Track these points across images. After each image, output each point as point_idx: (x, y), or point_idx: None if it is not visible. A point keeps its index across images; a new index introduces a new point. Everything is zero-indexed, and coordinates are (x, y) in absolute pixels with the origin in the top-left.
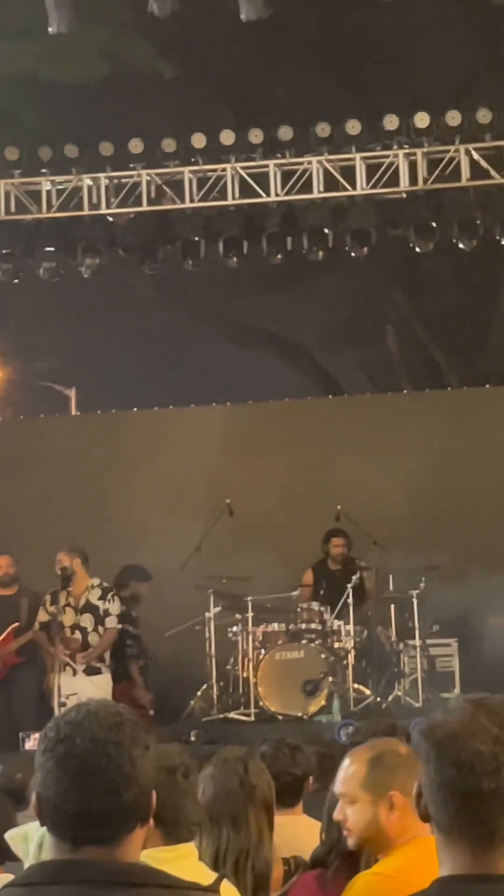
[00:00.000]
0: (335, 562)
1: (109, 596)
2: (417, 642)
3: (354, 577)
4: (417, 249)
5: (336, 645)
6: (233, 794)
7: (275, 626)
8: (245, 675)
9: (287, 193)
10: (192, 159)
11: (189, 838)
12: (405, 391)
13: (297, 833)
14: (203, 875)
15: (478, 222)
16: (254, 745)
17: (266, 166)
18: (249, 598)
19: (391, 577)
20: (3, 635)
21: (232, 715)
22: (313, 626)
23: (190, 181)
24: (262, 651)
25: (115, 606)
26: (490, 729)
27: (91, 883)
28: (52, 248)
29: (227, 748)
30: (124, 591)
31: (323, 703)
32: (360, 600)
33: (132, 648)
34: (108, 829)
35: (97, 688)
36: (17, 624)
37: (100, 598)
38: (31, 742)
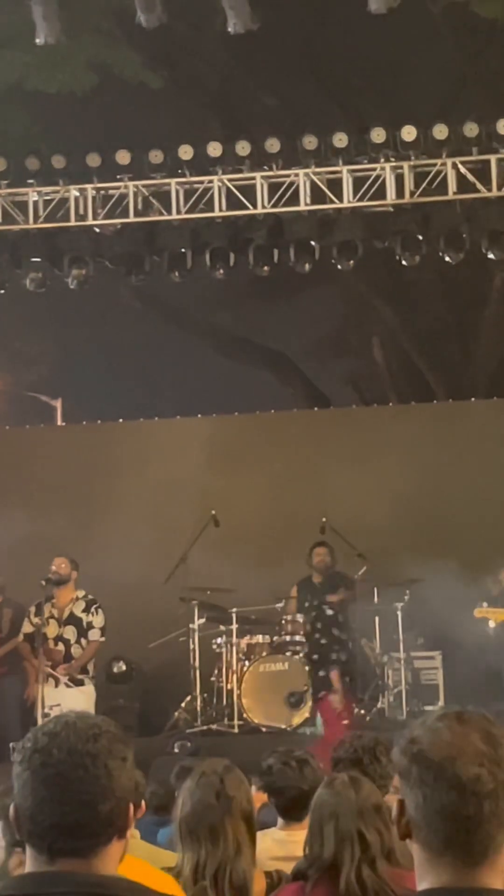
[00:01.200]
0: (318, 572)
1: (93, 609)
2: (402, 655)
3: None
4: (404, 262)
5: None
6: (210, 808)
7: (259, 637)
8: (229, 686)
9: (274, 206)
10: (180, 171)
11: None
12: (391, 404)
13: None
14: None
15: (464, 235)
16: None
17: (253, 178)
18: (234, 610)
19: (376, 589)
20: None
21: (216, 727)
22: (297, 638)
23: (177, 193)
24: (247, 663)
25: (98, 619)
26: (481, 748)
27: (70, 895)
28: (38, 259)
29: (206, 761)
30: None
31: (306, 715)
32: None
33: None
34: (84, 840)
35: (81, 699)
36: None
37: (83, 611)
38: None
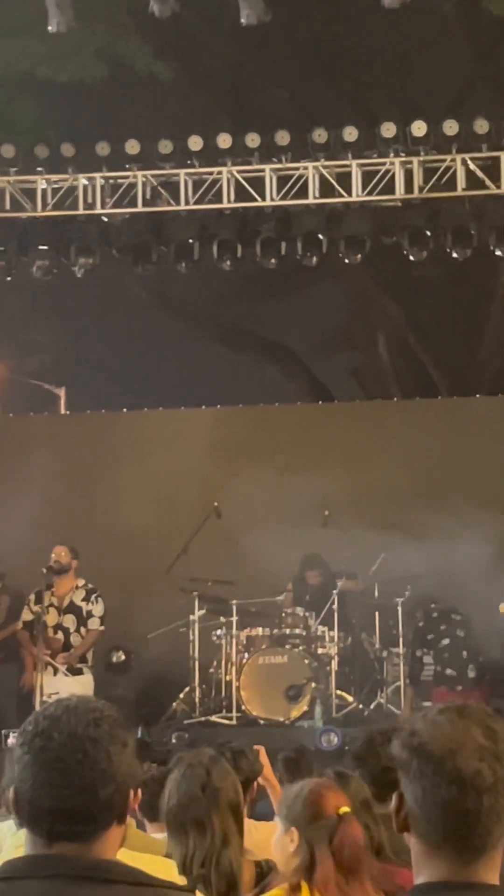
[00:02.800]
0: (313, 588)
1: (93, 598)
2: (401, 650)
3: (340, 583)
4: (411, 258)
5: (320, 651)
6: (196, 799)
7: (259, 630)
8: (228, 678)
9: (282, 198)
10: (189, 161)
11: None
12: (395, 399)
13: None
14: None
15: (472, 232)
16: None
17: (262, 171)
18: (234, 602)
19: (376, 584)
20: None
21: (214, 718)
22: (297, 631)
23: (185, 183)
24: (246, 655)
25: (98, 608)
26: (482, 742)
27: (66, 878)
28: (45, 247)
29: (193, 752)
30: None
31: (305, 708)
32: (346, 609)
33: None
34: (83, 825)
35: (79, 688)
36: None
37: (83, 600)
38: (13, 739)
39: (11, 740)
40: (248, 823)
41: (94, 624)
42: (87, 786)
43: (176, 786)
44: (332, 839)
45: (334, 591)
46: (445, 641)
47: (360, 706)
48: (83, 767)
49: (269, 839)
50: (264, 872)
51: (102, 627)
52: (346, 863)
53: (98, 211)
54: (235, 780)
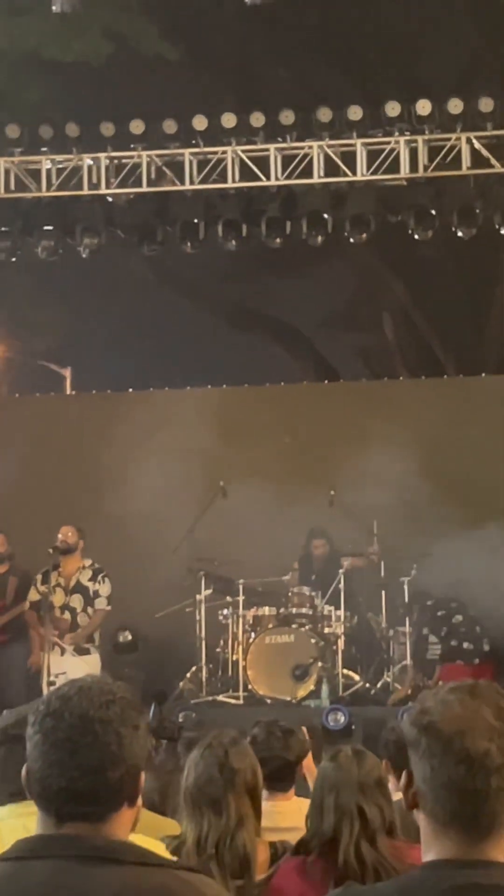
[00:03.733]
0: (317, 562)
1: (100, 577)
2: (407, 629)
3: (346, 562)
4: (416, 237)
5: (326, 630)
6: (213, 780)
7: (265, 609)
8: (235, 658)
9: (287, 178)
10: (193, 141)
11: None
12: (401, 378)
13: (287, 817)
14: None
15: (477, 211)
16: (245, 728)
17: (267, 150)
18: (241, 582)
19: (382, 563)
20: None
21: (220, 697)
22: (304, 610)
23: (190, 163)
24: (253, 634)
25: (105, 588)
26: (492, 722)
27: (76, 859)
28: (50, 227)
29: (214, 732)
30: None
31: (312, 687)
32: (353, 588)
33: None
34: (92, 806)
35: (86, 668)
36: (1, 604)
37: (90, 580)
38: None
39: None
40: (299, 802)
41: (101, 604)
42: (97, 767)
43: (194, 765)
44: None
45: (340, 571)
46: (457, 619)
47: (367, 685)
48: (92, 749)
49: None
50: (279, 854)
51: (109, 607)
52: None
53: (103, 191)
54: (254, 761)
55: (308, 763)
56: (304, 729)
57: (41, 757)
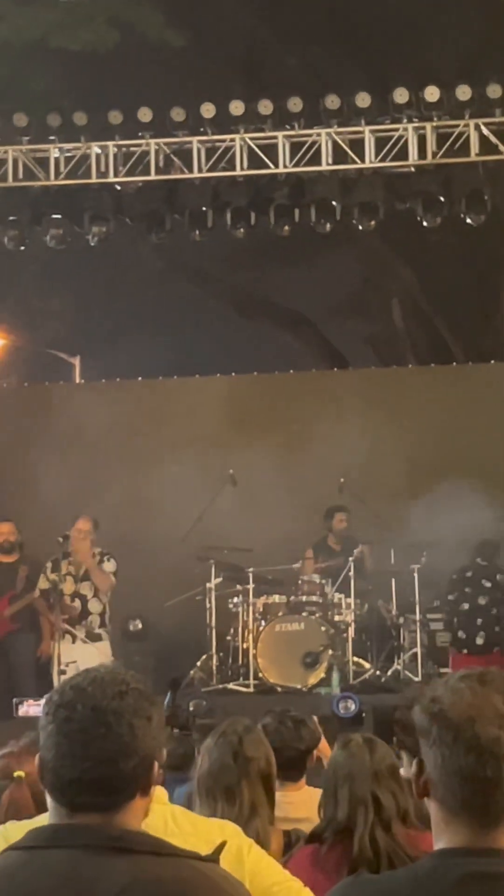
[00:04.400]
0: (337, 537)
1: (105, 558)
2: (418, 617)
3: (356, 550)
4: (425, 224)
5: (336, 618)
6: (227, 768)
7: (276, 597)
8: (245, 646)
9: (295, 165)
10: (201, 129)
11: None
12: (410, 365)
13: (298, 807)
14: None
15: (486, 198)
16: (257, 718)
17: (275, 137)
18: (251, 570)
19: (392, 551)
20: None
21: (231, 686)
22: (314, 598)
23: (198, 151)
24: (263, 622)
25: (109, 566)
26: (502, 710)
27: (89, 848)
28: (59, 216)
29: (229, 720)
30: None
31: (322, 675)
32: (363, 576)
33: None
34: (104, 796)
35: (97, 656)
36: (11, 593)
37: (98, 564)
38: (25, 708)
39: (24, 709)
40: (310, 791)
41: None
42: (109, 758)
43: (208, 753)
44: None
45: (350, 559)
46: (464, 607)
47: (377, 673)
48: (105, 740)
49: None
50: (292, 842)
51: (114, 581)
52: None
53: (111, 179)
54: (268, 750)
55: (323, 746)
56: (315, 718)
57: (54, 747)
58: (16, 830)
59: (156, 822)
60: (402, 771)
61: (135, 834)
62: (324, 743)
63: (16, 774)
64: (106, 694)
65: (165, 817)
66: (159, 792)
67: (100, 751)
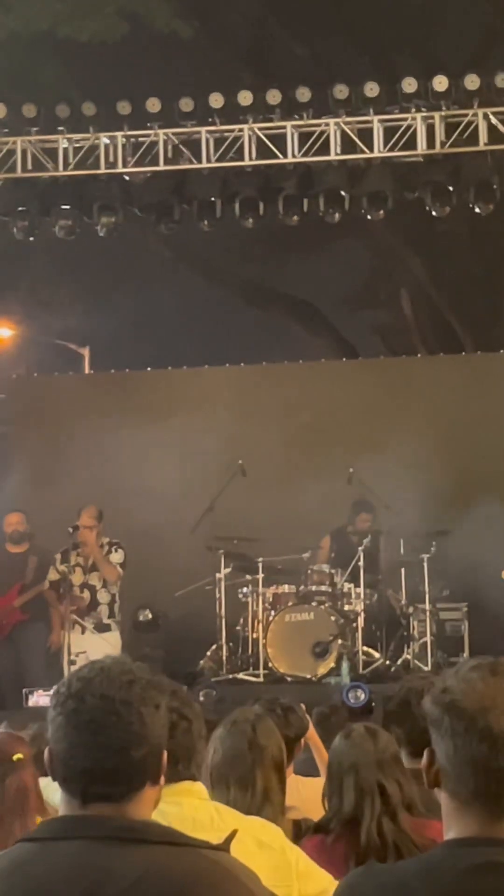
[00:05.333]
0: (359, 535)
1: (113, 548)
2: (427, 606)
3: (366, 540)
4: (434, 213)
5: (346, 608)
6: (241, 756)
7: (285, 587)
8: (255, 636)
9: (304, 155)
10: (210, 119)
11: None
12: (419, 355)
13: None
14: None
15: (495, 187)
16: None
17: (283, 127)
18: (260, 560)
19: (402, 540)
20: (7, 593)
21: (241, 675)
22: (323, 588)
23: (207, 141)
24: (272, 612)
25: (117, 556)
26: None
27: (102, 839)
28: (67, 207)
29: (239, 710)
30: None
31: (332, 665)
32: (374, 566)
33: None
34: (116, 786)
35: (106, 647)
36: (21, 583)
37: (106, 554)
38: (35, 698)
39: (34, 699)
40: (297, 780)
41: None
42: (120, 748)
43: (221, 742)
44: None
45: (360, 549)
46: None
47: (387, 662)
48: (116, 730)
49: (316, 796)
50: (302, 831)
51: (122, 571)
52: (8, 803)
53: (120, 170)
54: (279, 738)
55: (311, 735)
56: (302, 706)
57: (64, 738)
58: None
59: (202, 818)
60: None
61: (147, 824)
62: (312, 731)
63: (15, 757)
64: (114, 684)
65: (210, 813)
66: (199, 787)
67: (110, 740)
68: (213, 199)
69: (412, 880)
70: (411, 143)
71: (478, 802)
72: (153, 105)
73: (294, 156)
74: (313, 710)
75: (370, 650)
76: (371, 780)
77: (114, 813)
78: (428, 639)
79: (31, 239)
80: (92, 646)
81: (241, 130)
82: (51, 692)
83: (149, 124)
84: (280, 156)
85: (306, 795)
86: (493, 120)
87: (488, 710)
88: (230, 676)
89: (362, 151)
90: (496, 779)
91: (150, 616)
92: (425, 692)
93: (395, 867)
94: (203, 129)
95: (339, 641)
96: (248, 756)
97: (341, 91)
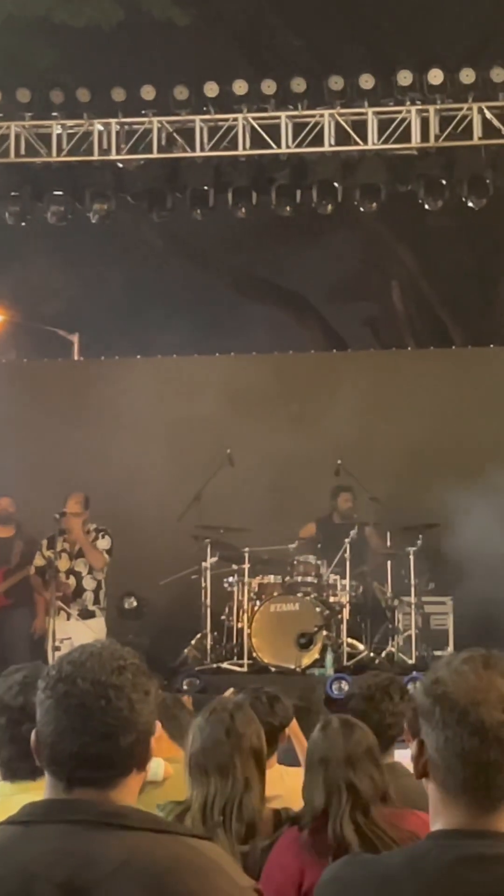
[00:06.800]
0: (342, 517)
1: (100, 534)
2: (413, 599)
3: (353, 532)
4: (426, 207)
5: (331, 599)
6: (219, 744)
7: (271, 578)
8: (239, 625)
9: (298, 146)
10: (204, 108)
11: None
12: (409, 348)
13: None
14: None
15: (488, 181)
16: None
17: (278, 118)
18: (246, 550)
19: (388, 533)
20: None
21: (225, 665)
22: (309, 579)
23: (201, 130)
24: (258, 602)
25: (104, 542)
26: None
27: (86, 824)
28: (60, 193)
29: (218, 698)
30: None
31: (316, 656)
32: (363, 555)
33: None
34: (102, 771)
35: (91, 633)
36: (5, 568)
37: (92, 541)
38: None
39: None
40: (281, 769)
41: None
42: (109, 733)
43: (199, 730)
44: None
45: (346, 540)
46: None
47: (372, 654)
48: (106, 715)
49: (301, 785)
50: (282, 821)
51: (108, 558)
52: None
53: (113, 157)
54: (258, 726)
55: (293, 727)
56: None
57: (53, 722)
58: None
59: None
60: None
61: (131, 810)
62: (294, 724)
63: None
64: (105, 668)
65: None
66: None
67: (100, 725)
68: (205, 188)
69: (397, 871)
70: (405, 136)
71: (466, 794)
72: (147, 92)
73: (288, 146)
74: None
75: (355, 642)
76: (338, 776)
77: (98, 798)
78: (413, 632)
79: (23, 224)
80: (77, 632)
81: (235, 120)
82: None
83: (143, 112)
84: (274, 146)
85: (291, 785)
86: (488, 114)
87: (480, 703)
88: (214, 665)
89: (356, 143)
90: (486, 771)
91: (135, 604)
92: (390, 689)
93: (381, 858)
94: (197, 118)
95: (324, 633)
96: (227, 744)
97: (336, 82)
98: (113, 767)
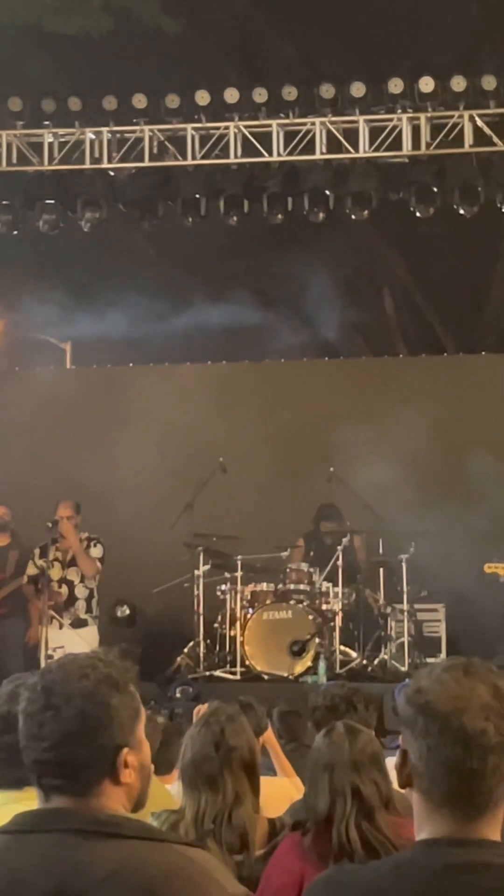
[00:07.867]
0: (330, 537)
1: (93, 543)
2: (405, 606)
3: (345, 540)
4: (418, 214)
5: (324, 607)
6: (209, 758)
7: (263, 585)
8: (232, 633)
9: (289, 154)
10: (196, 116)
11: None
12: (401, 355)
13: None
14: None
15: (479, 189)
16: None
17: (269, 126)
18: (239, 558)
19: (381, 540)
20: None
21: (218, 673)
22: (302, 587)
23: (192, 138)
24: (250, 610)
25: (96, 551)
26: (488, 701)
27: (76, 832)
28: (52, 201)
29: (213, 709)
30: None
31: (309, 664)
32: (351, 565)
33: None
34: (67, 779)
35: (83, 643)
36: (0, 577)
37: (85, 549)
38: None
39: None
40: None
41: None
42: (59, 742)
43: (191, 743)
44: None
45: (339, 548)
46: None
47: (364, 662)
48: (55, 723)
49: (276, 795)
50: (277, 830)
51: (100, 566)
52: None
53: (105, 165)
54: (251, 738)
55: (268, 736)
56: (262, 708)
57: (22, 730)
58: None
59: None
60: None
61: (123, 819)
62: (269, 733)
63: None
64: (66, 677)
65: None
66: None
67: (51, 733)
68: (197, 196)
69: (383, 880)
70: (396, 144)
71: (450, 803)
72: (139, 101)
73: (279, 154)
74: (274, 709)
75: (347, 649)
76: (344, 781)
77: (76, 806)
78: (405, 639)
79: (15, 232)
80: (70, 641)
81: (226, 128)
82: None
83: (134, 120)
84: (265, 154)
85: (266, 794)
86: (479, 122)
87: (462, 711)
88: (207, 674)
89: (347, 151)
90: (469, 780)
91: (127, 612)
92: (354, 700)
93: (367, 868)
94: (189, 126)
95: (317, 640)
96: (216, 758)
97: (327, 90)
98: (74, 776)
